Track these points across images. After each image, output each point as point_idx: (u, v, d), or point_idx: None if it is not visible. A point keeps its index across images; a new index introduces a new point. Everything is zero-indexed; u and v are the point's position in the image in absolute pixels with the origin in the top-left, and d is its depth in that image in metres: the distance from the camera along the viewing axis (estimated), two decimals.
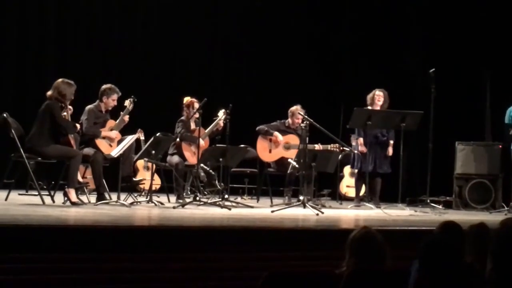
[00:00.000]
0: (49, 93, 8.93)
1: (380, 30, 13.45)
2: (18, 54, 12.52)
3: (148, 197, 9.57)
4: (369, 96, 10.89)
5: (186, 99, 10.61)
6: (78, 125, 9.17)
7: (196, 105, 10.25)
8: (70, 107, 9.10)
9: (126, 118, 9.65)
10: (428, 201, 10.55)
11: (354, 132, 11.07)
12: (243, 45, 13.64)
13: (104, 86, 9.65)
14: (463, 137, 11.67)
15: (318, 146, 10.64)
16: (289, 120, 11.06)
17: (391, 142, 10.87)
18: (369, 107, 10.74)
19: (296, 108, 10.87)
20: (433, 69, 10.56)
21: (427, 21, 13.36)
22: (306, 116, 9.95)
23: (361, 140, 10.83)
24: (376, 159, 10.75)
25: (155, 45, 13.18)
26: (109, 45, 12.99)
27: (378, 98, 10.81)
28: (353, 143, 11.05)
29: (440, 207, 10.73)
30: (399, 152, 10.33)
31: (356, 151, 10.80)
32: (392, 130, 10.85)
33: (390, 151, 10.84)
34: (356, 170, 11.14)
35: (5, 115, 9.03)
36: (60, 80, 8.98)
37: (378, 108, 10.72)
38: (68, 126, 8.91)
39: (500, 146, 11.40)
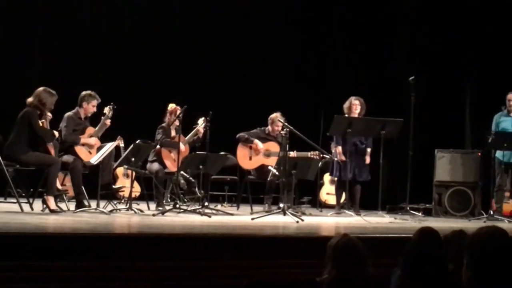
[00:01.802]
0: (29, 100, 8.89)
1: (361, 38, 13.48)
2: None
3: (128, 204, 9.53)
4: (345, 106, 10.91)
5: (171, 106, 10.58)
6: (56, 133, 9.13)
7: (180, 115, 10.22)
8: (49, 114, 9.06)
9: (108, 121, 9.62)
10: (408, 208, 10.58)
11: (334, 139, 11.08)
12: (224, 53, 13.62)
13: (84, 92, 9.63)
14: (442, 145, 11.72)
15: (293, 154, 10.63)
16: (269, 127, 11.07)
17: (369, 150, 10.90)
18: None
19: (276, 116, 10.88)
20: (413, 77, 10.60)
21: (409, 29, 13.41)
22: (286, 124, 9.96)
23: (339, 148, 10.85)
24: (356, 167, 10.77)
25: (135, 52, 13.13)
26: (90, 51, 12.93)
27: (355, 107, 10.84)
28: (333, 151, 11.07)
29: (420, 214, 10.76)
30: (379, 160, 10.35)
31: (335, 159, 10.81)
32: (370, 138, 10.88)
33: (367, 159, 10.87)
34: (335, 178, 11.17)
35: None
36: (42, 88, 8.94)
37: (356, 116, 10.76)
38: (45, 135, 8.86)
39: (480, 154, 11.46)
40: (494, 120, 10.89)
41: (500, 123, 10.87)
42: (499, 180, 10.85)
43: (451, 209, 11.40)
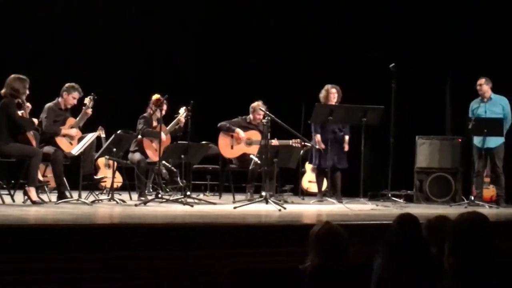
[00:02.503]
0: (2, 91, 8.85)
1: (342, 25, 13.49)
2: None
3: (110, 195, 9.52)
4: (321, 95, 10.91)
5: (155, 96, 10.54)
6: (36, 120, 9.08)
7: (164, 106, 10.19)
8: (28, 104, 9.01)
9: (89, 111, 9.58)
10: (390, 195, 10.64)
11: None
12: (205, 42, 13.59)
13: (67, 84, 9.58)
14: (423, 132, 11.77)
15: (275, 142, 10.64)
16: (251, 116, 11.07)
17: (347, 137, 10.94)
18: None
19: (258, 104, 10.88)
20: (393, 64, 10.63)
21: (390, 17, 13.43)
22: (267, 112, 9.96)
23: (318, 136, 10.86)
24: (335, 155, 10.77)
25: (116, 42, 13.07)
26: (70, 42, 12.86)
27: (333, 95, 10.85)
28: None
29: (401, 201, 10.83)
30: (361, 147, 10.38)
31: (317, 146, 10.83)
32: (348, 125, 10.92)
33: (346, 147, 10.91)
34: (315, 166, 11.21)
35: None
36: (11, 76, 8.90)
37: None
38: (25, 124, 8.82)
39: (460, 140, 11.52)
40: (470, 107, 10.98)
41: (475, 109, 10.93)
42: (477, 166, 10.92)
43: (432, 195, 11.46)
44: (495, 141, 10.77)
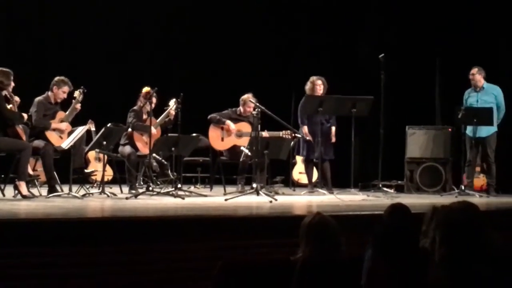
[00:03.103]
0: None
1: (331, 16, 13.48)
2: None
3: (101, 188, 9.50)
4: (307, 87, 10.92)
5: (146, 89, 10.52)
6: (25, 115, 9.05)
7: (154, 99, 10.16)
8: (17, 98, 8.98)
9: (78, 106, 9.57)
10: (380, 185, 10.66)
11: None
12: (195, 34, 13.56)
13: (57, 77, 9.55)
14: (413, 122, 11.78)
15: (265, 133, 10.64)
16: (241, 108, 11.07)
17: (333, 129, 10.95)
18: None
19: (248, 96, 10.88)
20: (382, 55, 10.64)
21: (380, 7, 13.42)
22: (257, 104, 9.95)
23: (305, 128, 10.87)
24: (322, 146, 10.75)
25: (104, 35, 13.04)
26: (59, 35, 12.82)
27: (319, 87, 10.86)
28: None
29: (392, 191, 10.85)
30: (351, 138, 10.39)
31: (308, 138, 10.83)
32: (334, 116, 10.93)
33: (333, 138, 10.92)
34: (302, 158, 11.24)
35: None
36: None
37: None
38: (14, 117, 8.79)
39: (450, 130, 11.54)
40: (464, 96, 11.00)
41: (468, 99, 10.96)
42: (469, 155, 10.94)
43: (422, 185, 11.48)
44: (487, 131, 10.79)
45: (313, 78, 10.92)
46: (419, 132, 11.66)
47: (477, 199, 9.76)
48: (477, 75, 10.91)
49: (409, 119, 11.91)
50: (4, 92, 8.79)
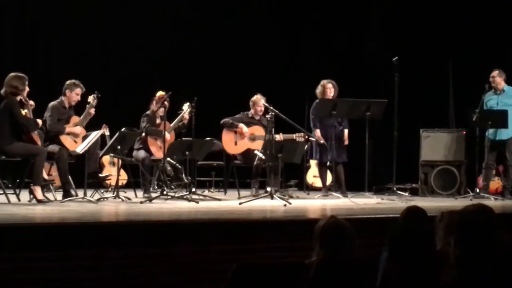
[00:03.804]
0: (2, 91, 8.83)
1: (342, 18, 13.48)
2: None
3: (115, 192, 9.51)
4: (318, 91, 10.92)
5: (159, 93, 10.53)
6: (39, 121, 9.08)
7: (166, 102, 10.19)
8: (32, 102, 9.01)
9: (92, 110, 9.60)
10: (395, 189, 10.63)
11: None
12: (208, 37, 13.58)
13: (68, 81, 9.59)
14: (427, 124, 11.75)
15: (279, 137, 10.63)
16: (252, 110, 11.09)
17: (346, 131, 10.94)
18: None
19: (257, 97, 10.94)
20: (396, 57, 10.61)
21: (390, 8, 13.40)
22: (271, 107, 9.92)
23: (318, 131, 10.85)
24: (334, 149, 10.73)
25: (118, 40, 13.08)
26: (72, 40, 12.86)
27: (329, 90, 10.86)
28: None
29: (407, 194, 10.82)
30: (365, 141, 10.38)
31: (321, 141, 10.82)
32: (346, 119, 10.92)
33: (346, 141, 10.91)
34: (315, 161, 11.23)
35: None
36: (9, 75, 8.88)
37: None
38: (28, 124, 8.82)
39: (464, 132, 11.50)
40: (484, 99, 10.89)
41: (488, 101, 10.91)
42: (488, 158, 10.88)
43: (437, 188, 11.45)
44: (507, 133, 10.74)
45: (323, 81, 10.92)
46: (433, 135, 11.63)
47: (492, 202, 9.72)
48: (498, 78, 10.86)
49: (423, 122, 11.88)
50: (19, 97, 8.83)
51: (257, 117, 11.09)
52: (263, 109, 10.78)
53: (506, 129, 10.69)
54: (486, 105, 10.87)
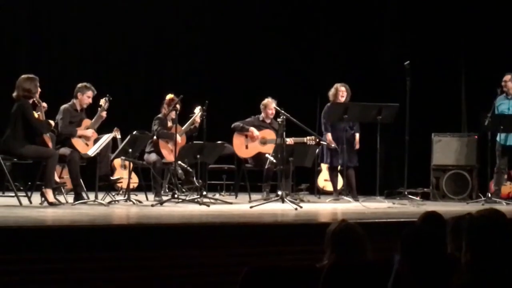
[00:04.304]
0: (14, 94, 8.84)
1: (355, 22, 13.46)
2: None
3: (126, 195, 9.53)
4: (331, 93, 10.91)
5: (169, 96, 10.54)
6: (52, 122, 9.10)
7: (177, 105, 10.18)
8: (44, 104, 9.02)
9: (104, 113, 9.60)
10: (406, 193, 10.61)
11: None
12: (219, 40, 13.59)
13: (80, 84, 9.60)
14: (439, 129, 11.72)
15: (290, 141, 10.62)
16: (262, 114, 11.09)
17: (357, 135, 10.92)
18: None
19: (268, 101, 10.96)
20: (408, 62, 10.59)
21: (403, 13, 13.38)
22: (282, 111, 9.92)
23: (329, 135, 10.84)
24: (346, 153, 10.71)
25: (130, 43, 13.11)
26: (84, 43, 12.90)
27: (341, 93, 10.84)
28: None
29: (418, 198, 10.79)
30: (376, 145, 10.35)
31: (333, 145, 10.80)
32: (357, 123, 10.90)
33: (357, 145, 10.89)
34: (327, 165, 11.22)
35: None
36: (20, 77, 8.87)
37: None
38: (41, 126, 8.83)
39: (476, 137, 11.47)
40: (495, 103, 10.85)
41: (499, 106, 10.86)
42: (499, 163, 10.83)
43: (449, 193, 11.42)
44: None
45: (337, 85, 10.91)
46: (445, 139, 11.60)
47: (504, 207, 9.68)
48: (510, 83, 10.80)
49: (434, 126, 11.85)
50: (32, 100, 8.84)
51: (268, 121, 11.09)
52: (274, 112, 10.79)
53: None
54: (497, 110, 10.82)
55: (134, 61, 13.12)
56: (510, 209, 9.47)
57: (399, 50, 12.75)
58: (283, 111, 9.93)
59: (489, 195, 10.59)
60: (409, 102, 10.56)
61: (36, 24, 12.88)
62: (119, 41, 13.09)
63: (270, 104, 10.90)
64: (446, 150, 11.56)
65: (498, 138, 10.81)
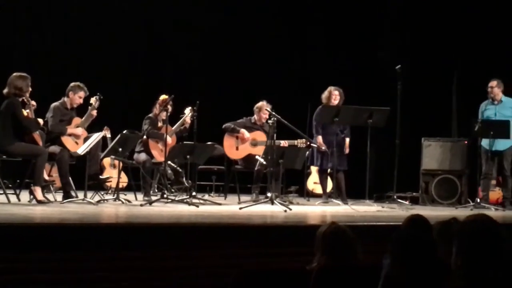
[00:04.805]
0: (5, 91, 8.82)
1: (350, 26, 13.47)
2: None
3: (115, 195, 9.51)
4: (324, 96, 10.90)
5: (163, 97, 10.51)
6: (41, 120, 9.08)
7: (168, 106, 10.16)
8: (33, 102, 9.01)
9: (94, 112, 9.58)
10: (395, 197, 10.61)
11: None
12: (210, 42, 13.59)
13: (73, 83, 9.58)
14: (429, 133, 11.74)
15: (284, 143, 10.62)
16: (255, 116, 11.08)
17: (347, 140, 10.92)
18: None
19: (263, 104, 10.92)
20: (399, 66, 10.61)
21: (397, 18, 13.40)
22: (273, 113, 9.94)
23: (320, 138, 10.84)
24: (336, 157, 10.71)
25: (121, 42, 13.08)
26: (75, 42, 12.87)
27: (334, 97, 10.85)
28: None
29: (407, 203, 10.81)
30: (366, 149, 10.36)
31: (323, 148, 10.80)
32: (348, 127, 10.91)
33: (347, 149, 10.90)
34: (316, 168, 11.23)
35: None
36: (12, 75, 8.86)
37: None
38: (30, 124, 8.81)
39: (466, 142, 11.49)
40: (480, 108, 10.91)
41: (485, 111, 10.89)
42: (485, 168, 10.87)
43: (438, 197, 11.44)
44: (504, 144, 10.71)
45: (330, 88, 10.91)
46: (435, 144, 11.62)
47: (493, 212, 9.69)
48: (496, 88, 10.82)
49: (425, 131, 11.87)
50: (21, 98, 8.82)
51: (260, 123, 11.08)
52: (267, 116, 10.75)
53: (503, 139, 10.66)
54: (482, 115, 10.82)
55: (125, 61, 13.09)
56: (498, 214, 9.50)
57: (393, 54, 12.74)
58: (274, 113, 9.93)
59: (478, 200, 10.61)
60: (400, 106, 10.57)
61: (28, 21, 12.83)
62: (111, 39, 13.05)
63: (264, 107, 10.86)
64: (435, 154, 11.58)
65: (483, 143, 10.82)
